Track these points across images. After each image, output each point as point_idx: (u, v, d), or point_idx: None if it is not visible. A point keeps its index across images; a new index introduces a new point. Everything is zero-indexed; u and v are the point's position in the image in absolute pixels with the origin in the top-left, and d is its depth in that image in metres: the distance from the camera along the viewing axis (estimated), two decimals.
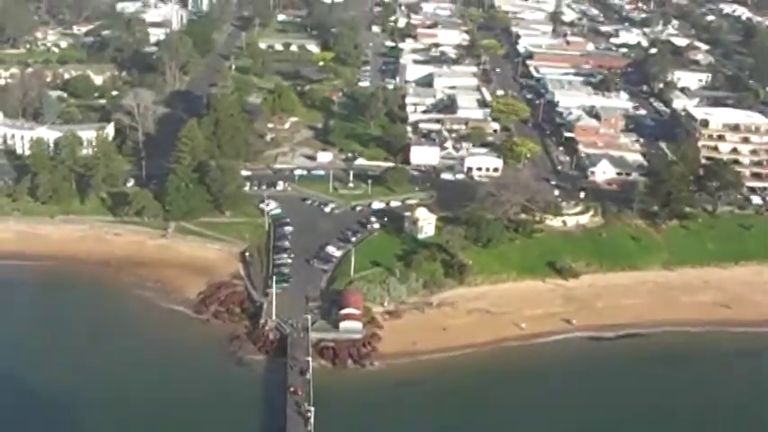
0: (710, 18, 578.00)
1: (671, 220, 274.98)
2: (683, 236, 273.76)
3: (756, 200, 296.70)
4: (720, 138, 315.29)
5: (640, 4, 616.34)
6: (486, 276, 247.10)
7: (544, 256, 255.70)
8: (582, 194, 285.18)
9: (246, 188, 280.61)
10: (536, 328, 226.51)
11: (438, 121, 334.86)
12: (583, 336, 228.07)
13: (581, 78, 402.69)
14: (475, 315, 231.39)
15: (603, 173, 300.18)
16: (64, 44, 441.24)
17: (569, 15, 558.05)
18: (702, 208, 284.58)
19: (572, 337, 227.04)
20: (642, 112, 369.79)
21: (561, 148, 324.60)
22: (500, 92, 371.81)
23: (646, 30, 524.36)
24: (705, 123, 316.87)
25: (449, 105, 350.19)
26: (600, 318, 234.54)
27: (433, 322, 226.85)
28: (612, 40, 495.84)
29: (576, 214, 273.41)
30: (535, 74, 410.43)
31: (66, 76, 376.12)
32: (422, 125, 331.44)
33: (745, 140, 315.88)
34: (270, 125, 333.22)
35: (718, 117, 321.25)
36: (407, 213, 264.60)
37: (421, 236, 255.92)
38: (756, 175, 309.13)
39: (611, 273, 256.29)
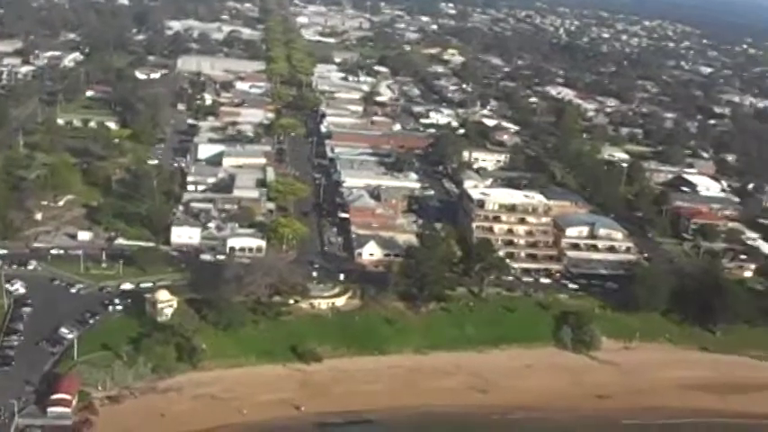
0: (532, 99, 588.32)
1: (430, 303, 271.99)
2: (442, 319, 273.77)
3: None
4: (496, 218, 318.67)
5: (464, 86, 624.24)
6: (221, 360, 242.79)
7: (288, 340, 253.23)
8: (341, 276, 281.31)
9: None
10: (260, 414, 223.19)
11: (210, 200, 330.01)
12: (309, 422, 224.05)
13: (375, 158, 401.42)
14: (200, 401, 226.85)
15: (371, 254, 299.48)
16: None
17: (387, 95, 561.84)
18: (469, 290, 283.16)
19: (297, 423, 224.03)
20: (431, 192, 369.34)
21: (335, 229, 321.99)
22: (271, 171, 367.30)
23: (459, 110, 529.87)
24: (481, 204, 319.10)
25: (229, 184, 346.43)
26: (333, 403, 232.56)
27: (154, 408, 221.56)
28: (422, 120, 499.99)
29: (331, 297, 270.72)
30: (330, 154, 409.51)
31: None
32: (194, 204, 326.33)
33: (522, 221, 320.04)
34: (44, 202, 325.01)
35: (495, 197, 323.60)
36: (148, 295, 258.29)
37: (161, 318, 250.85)
38: (531, 257, 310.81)
39: (358, 357, 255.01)
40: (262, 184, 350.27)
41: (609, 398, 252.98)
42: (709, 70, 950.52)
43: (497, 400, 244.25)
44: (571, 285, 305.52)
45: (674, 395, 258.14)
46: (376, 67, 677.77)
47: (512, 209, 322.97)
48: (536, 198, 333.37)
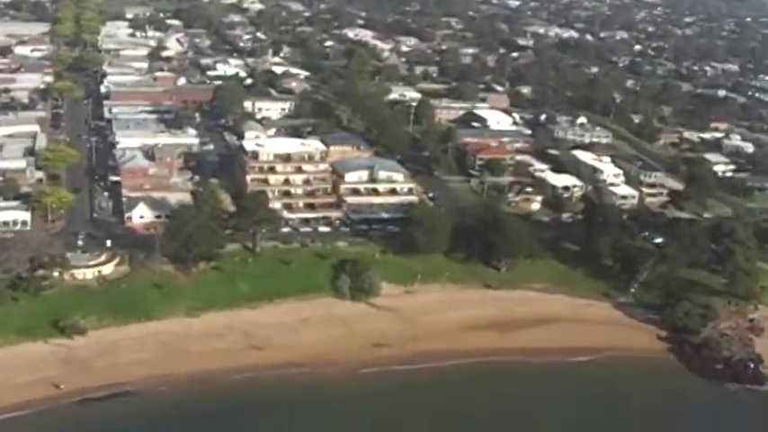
0: (328, 43, 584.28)
1: (200, 263, 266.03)
2: (214, 278, 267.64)
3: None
4: (271, 169, 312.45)
5: (258, 34, 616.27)
6: None
7: (50, 315, 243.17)
8: (108, 243, 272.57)
9: None
10: (15, 397, 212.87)
11: None
12: (68, 401, 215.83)
13: (155, 116, 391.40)
14: None
15: (141, 217, 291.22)
16: None
17: (175, 50, 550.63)
18: (244, 246, 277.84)
19: (55, 403, 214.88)
20: (211, 147, 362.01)
21: (106, 194, 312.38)
22: (42, 138, 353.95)
23: (249, 60, 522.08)
24: (255, 155, 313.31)
25: None
26: (95, 378, 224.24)
27: None
28: (209, 72, 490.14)
29: (96, 265, 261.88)
30: (107, 114, 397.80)
31: None
32: None
33: (299, 170, 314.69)
34: None
35: (269, 148, 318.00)
36: None
37: None
38: (310, 206, 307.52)
39: (125, 326, 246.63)
40: (31, 152, 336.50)
41: (387, 346, 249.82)
42: (516, 3, 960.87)
43: (270, 358, 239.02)
44: (350, 232, 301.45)
45: (453, 337, 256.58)
46: (169, 21, 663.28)
47: (287, 158, 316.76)
48: (313, 145, 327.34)
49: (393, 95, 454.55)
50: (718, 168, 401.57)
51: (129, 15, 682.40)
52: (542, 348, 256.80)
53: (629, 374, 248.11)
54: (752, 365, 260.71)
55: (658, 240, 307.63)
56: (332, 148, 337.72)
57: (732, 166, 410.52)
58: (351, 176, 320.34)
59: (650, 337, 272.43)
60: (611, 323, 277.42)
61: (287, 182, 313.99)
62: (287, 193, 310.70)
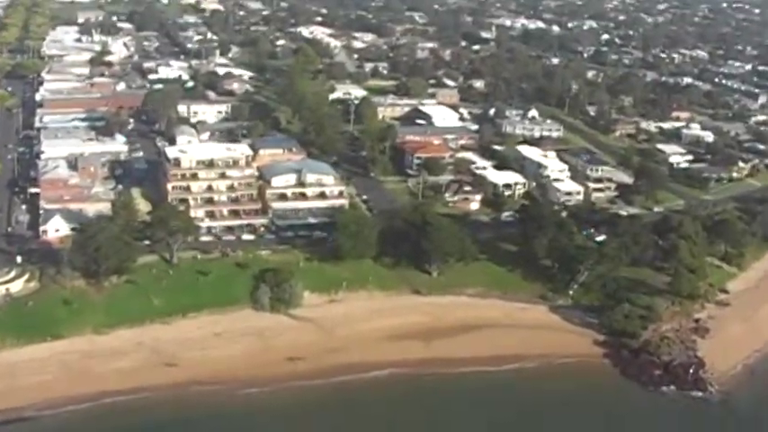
0: (280, 42, 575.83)
1: (112, 277, 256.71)
2: (126, 293, 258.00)
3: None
4: (194, 176, 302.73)
5: (209, 35, 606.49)
6: None
7: None
8: (19, 259, 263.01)
9: None
10: None
11: None
12: None
13: (87, 124, 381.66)
14: None
15: (56, 230, 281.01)
16: None
17: (120, 53, 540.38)
18: (161, 257, 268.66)
19: None
20: (140, 154, 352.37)
21: (24, 207, 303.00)
22: None
23: (194, 62, 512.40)
24: (177, 162, 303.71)
25: None
26: None
27: None
28: (151, 76, 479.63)
29: (4, 283, 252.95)
30: (37, 123, 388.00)
31: None
32: None
33: (222, 176, 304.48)
34: None
35: (192, 154, 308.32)
36: None
37: None
38: (234, 213, 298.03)
39: (29, 346, 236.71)
40: None
41: (301, 359, 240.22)
42: None
43: (177, 376, 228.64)
44: (275, 239, 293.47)
45: (375, 348, 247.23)
46: (120, 24, 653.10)
47: (210, 164, 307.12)
48: (239, 150, 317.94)
49: (337, 94, 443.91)
50: (675, 159, 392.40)
51: (80, 20, 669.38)
52: (471, 357, 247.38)
53: (560, 382, 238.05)
54: (692, 370, 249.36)
55: (600, 238, 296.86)
56: (262, 151, 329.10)
57: (689, 157, 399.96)
58: (277, 181, 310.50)
59: (587, 342, 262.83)
60: (547, 328, 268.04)
61: (210, 188, 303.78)
62: (210, 201, 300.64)
